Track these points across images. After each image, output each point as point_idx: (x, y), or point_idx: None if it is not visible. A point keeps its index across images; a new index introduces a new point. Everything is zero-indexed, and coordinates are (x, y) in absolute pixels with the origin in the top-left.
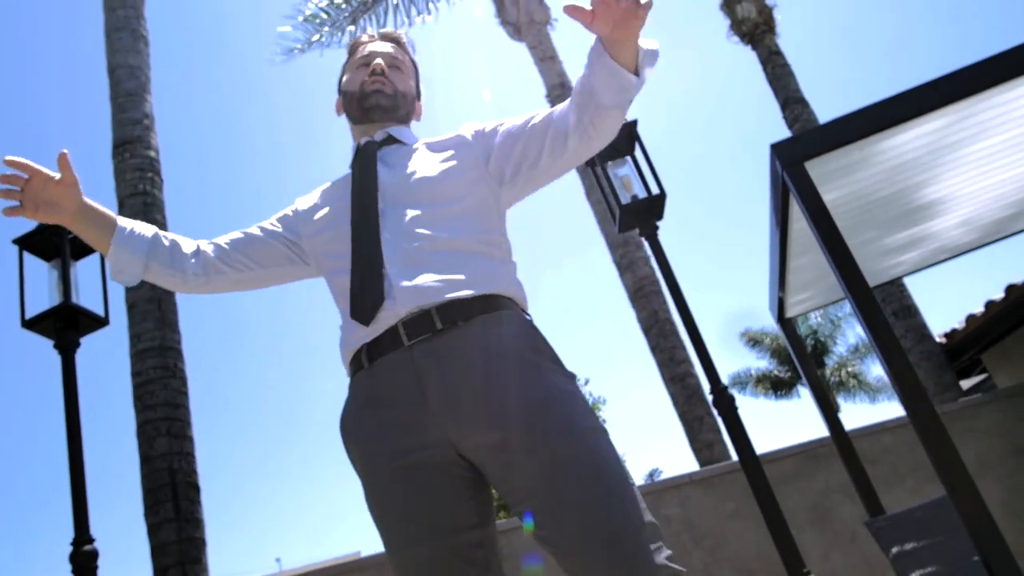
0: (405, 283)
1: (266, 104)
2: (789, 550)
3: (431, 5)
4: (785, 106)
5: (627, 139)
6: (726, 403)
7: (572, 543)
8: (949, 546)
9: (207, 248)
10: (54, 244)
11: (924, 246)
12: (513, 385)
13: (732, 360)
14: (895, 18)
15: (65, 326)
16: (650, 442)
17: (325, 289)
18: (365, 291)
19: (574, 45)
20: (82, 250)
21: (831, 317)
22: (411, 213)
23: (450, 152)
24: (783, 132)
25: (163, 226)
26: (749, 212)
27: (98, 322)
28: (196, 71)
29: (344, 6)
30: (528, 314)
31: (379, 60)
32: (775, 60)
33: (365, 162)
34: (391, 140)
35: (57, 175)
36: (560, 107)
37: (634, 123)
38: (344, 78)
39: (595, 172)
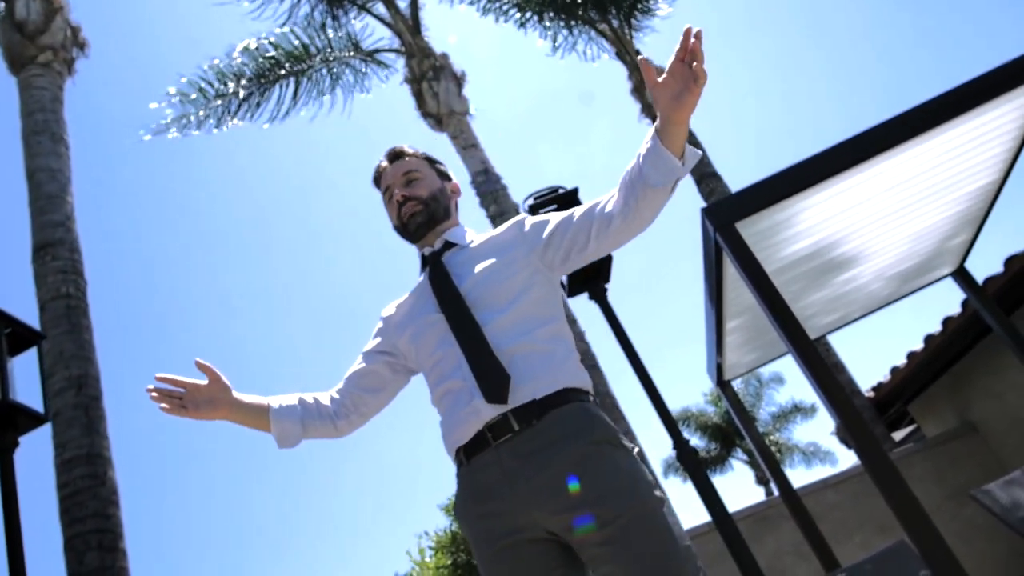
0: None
1: (191, 198)
2: None
3: (323, 98)
4: (700, 181)
5: (570, 206)
6: (690, 457)
7: None
8: None
9: (337, 395)
10: None
11: (847, 302)
12: (584, 477)
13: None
14: (801, 85)
15: (2, 425)
16: None
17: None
18: (493, 376)
19: (493, 133)
20: (18, 345)
21: (754, 389)
22: (484, 320)
23: (506, 251)
24: (701, 206)
25: (88, 329)
26: (667, 287)
27: (37, 419)
28: (118, 168)
29: (230, 94)
30: (591, 397)
31: (397, 191)
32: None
33: (439, 276)
34: (449, 245)
35: (204, 380)
36: (605, 197)
37: (575, 191)
38: (390, 219)
39: None
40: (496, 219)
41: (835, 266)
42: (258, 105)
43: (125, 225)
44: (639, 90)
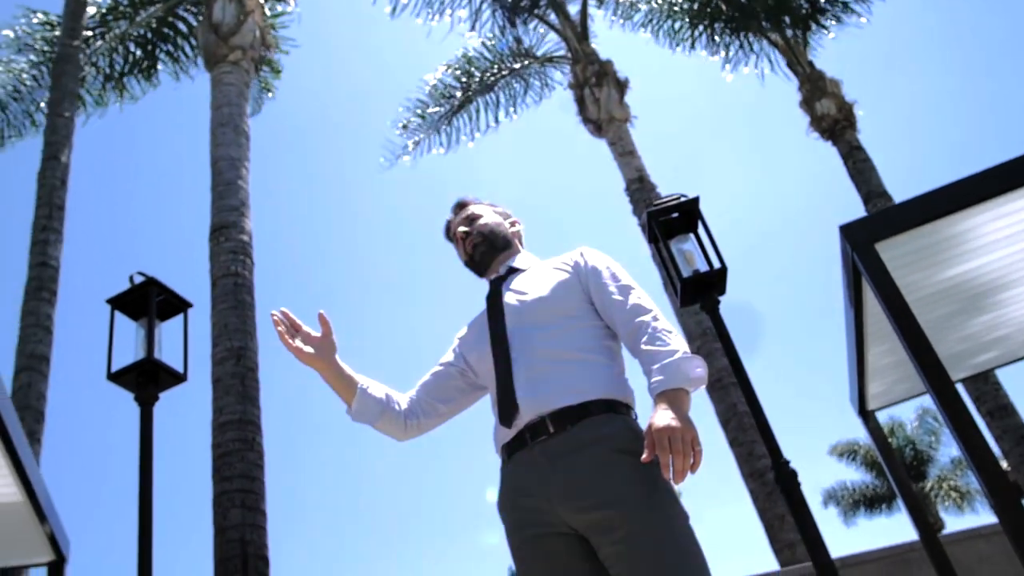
0: (526, 396)
1: (359, 198)
2: None
3: (515, 107)
4: (868, 200)
5: (690, 216)
6: (788, 479)
7: None
8: None
9: (412, 402)
10: (143, 304)
11: (1016, 334)
12: (601, 480)
13: (824, 475)
14: (983, 107)
15: (146, 380)
16: (726, 542)
17: (398, 376)
18: (504, 402)
19: (654, 141)
20: (168, 311)
21: (929, 427)
22: (532, 333)
23: (564, 276)
24: None
25: (251, 306)
26: (839, 309)
27: (177, 378)
28: (296, 162)
29: (437, 112)
30: (628, 411)
31: (459, 229)
32: (856, 155)
33: (492, 297)
34: (512, 271)
35: (318, 333)
36: (634, 330)
37: (696, 200)
38: (460, 257)
39: (658, 248)
40: (645, 227)
41: (1003, 294)
42: (461, 120)
43: (298, 213)
44: (808, 103)
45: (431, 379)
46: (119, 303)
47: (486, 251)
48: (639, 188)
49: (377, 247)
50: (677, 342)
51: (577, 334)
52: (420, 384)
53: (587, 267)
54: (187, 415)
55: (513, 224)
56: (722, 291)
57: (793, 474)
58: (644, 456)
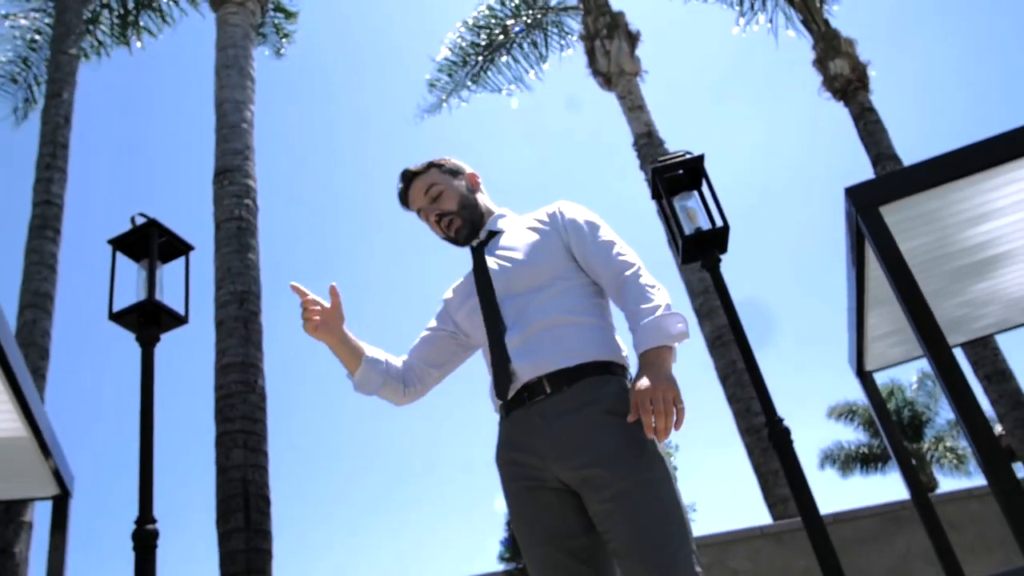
0: (521, 364)
1: (371, 146)
2: None
3: (542, 56)
4: (877, 162)
5: (694, 174)
6: (781, 435)
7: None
8: None
9: (408, 368)
10: (144, 246)
11: (1015, 302)
12: (593, 439)
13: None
14: (998, 72)
15: (147, 321)
16: (721, 495)
17: (401, 331)
18: (500, 375)
19: (662, 96)
20: (169, 253)
21: (929, 390)
22: (521, 299)
23: (545, 234)
24: None
25: (254, 250)
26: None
27: (178, 320)
28: (305, 108)
29: (464, 66)
30: (623, 372)
31: (431, 214)
32: (867, 116)
33: (479, 267)
34: (491, 235)
35: (328, 303)
36: (618, 286)
37: (700, 158)
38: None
39: (662, 204)
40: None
41: (1006, 260)
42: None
43: (304, 158)
44: (821, 62)
45: (422, 344)
46: (120, 244)
47: (469, 232)
48: (647, 143)
49: (389, 198)
50: (660, 297)
51: (566, 295)
52: (412, 349)
53: (565, 221)
54: (192, 357)
55: (471, 180)
56: (723, 249)
57: (786, 431)
58: (629, 417)
